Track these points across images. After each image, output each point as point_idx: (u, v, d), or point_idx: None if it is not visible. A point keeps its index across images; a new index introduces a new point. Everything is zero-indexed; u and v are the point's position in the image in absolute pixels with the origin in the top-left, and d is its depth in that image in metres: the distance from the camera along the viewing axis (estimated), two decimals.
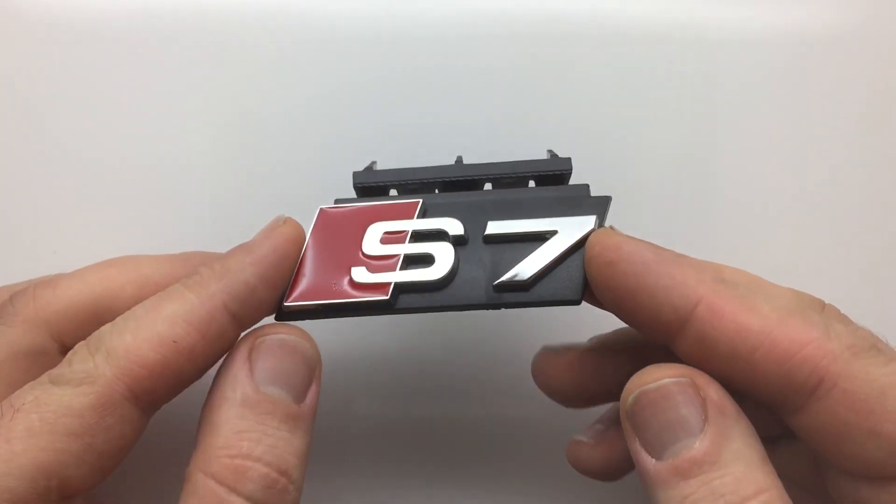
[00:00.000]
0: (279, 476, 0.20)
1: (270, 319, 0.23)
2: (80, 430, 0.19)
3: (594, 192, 0.24)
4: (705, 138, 0.31)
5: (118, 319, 0.20)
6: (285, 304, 0.23)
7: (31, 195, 0.30)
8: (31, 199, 0.30)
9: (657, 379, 0.20)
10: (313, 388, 0.21)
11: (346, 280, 0.23)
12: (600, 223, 0.23)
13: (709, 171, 0.31)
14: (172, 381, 0.20)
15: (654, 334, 0.21)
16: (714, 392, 0.19)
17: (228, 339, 0.21)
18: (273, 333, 0.21)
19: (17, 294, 0.22)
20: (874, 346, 0.19)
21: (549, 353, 0.26)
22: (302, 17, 0.31)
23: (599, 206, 0.23)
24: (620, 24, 0.31)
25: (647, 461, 0.19)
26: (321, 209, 0.24)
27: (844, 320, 0.21)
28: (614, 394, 0.22)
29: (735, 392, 0.20)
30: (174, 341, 0.20)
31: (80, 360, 0.20)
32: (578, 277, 0.22)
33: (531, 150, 0.29)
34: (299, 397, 0.21)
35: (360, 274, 0.23)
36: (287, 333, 0.21)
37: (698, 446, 0.19)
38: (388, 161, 0.29)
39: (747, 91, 0.31)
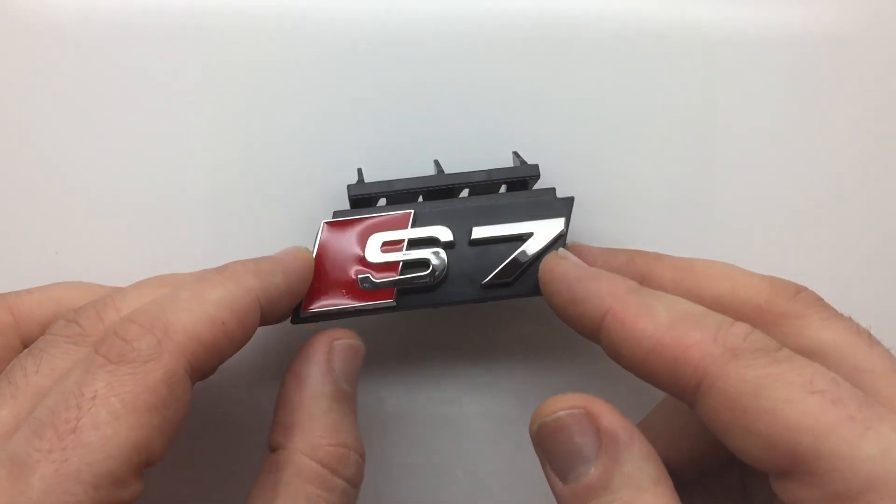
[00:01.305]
0: (361, 459, 0.24)
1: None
2: (157, 404, 0.20)
3: (592, 192, 0.29)
4: (705, 139, 0.31)
5: (162, 301, 0.22)
6: (303, 310, 0.26)
7: (33, 195, 0.31)
8: (33, 200, 0.31)
9: (554, 411, 0.21)
10: None
11: (354, 287, 0.26)
12: (566, 223, 0.27)
13: (709, 172, 0.31)
14: (216, 359, 0.22)
15: (587, 338, 0.23)
16: (607, 420, 0.21)
17: (252, 331, 0.23)
18: (343, 338, 0.25)
19: (80, 315, 0.22)
20: (764, 349, 0.20)
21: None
22: (299, 22, 0.31)
23: (565, 208, 0.27)
24: (619, 25, 0.31)
25: (556, 483, 0.21)
26: (324, 223, 0.27)
27: (818, 305, 0.23)
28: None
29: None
30: (223, 323, 0.22)
31: (137, 336, 0.20)
32: None
33: (529, 151, 0.29)
34: (355, 388, 0.25)
35: (367, 281, 0.26)
36: (351, 338, 0.25)
37: (592, 473, 0.20)
38: (379, 165, 0.30)
39: (748, 92, 0.31)
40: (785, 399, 0.19)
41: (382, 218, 0.27)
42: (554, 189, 0.28)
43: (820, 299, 0.23)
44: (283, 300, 0.25)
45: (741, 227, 0.31)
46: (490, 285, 0.27)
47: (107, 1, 0.31)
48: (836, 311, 0.23)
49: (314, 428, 0.23)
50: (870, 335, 0.22)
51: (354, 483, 0.24)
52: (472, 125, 0.31)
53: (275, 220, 0.31)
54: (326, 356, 0.25)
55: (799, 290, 0.23)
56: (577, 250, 0.27)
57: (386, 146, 0.31)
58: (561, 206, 0.27)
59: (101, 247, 0.30)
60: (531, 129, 0.31)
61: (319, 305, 0.26)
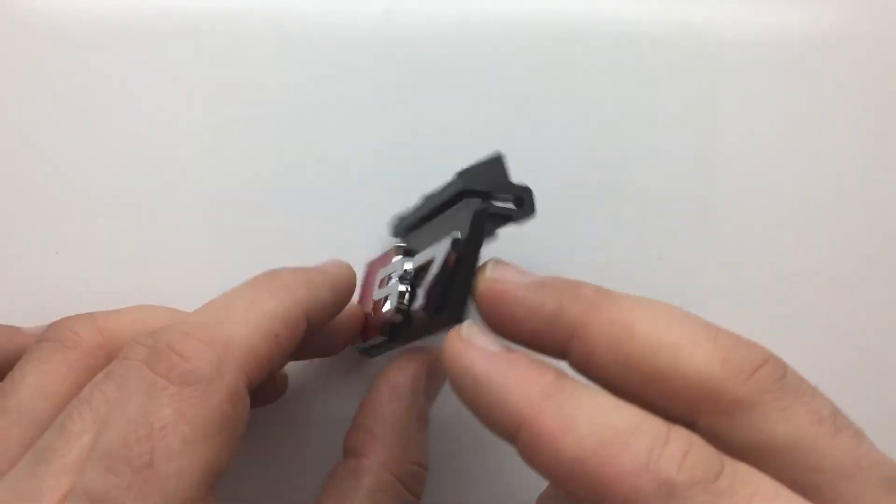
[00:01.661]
0: (426, 475, 0.25)
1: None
2: (224, 423, 0.20)
3: (591, 193, 0.28)
4: (706, 140, 0.31)
5: (219, 314, 0.21)
6: (356, 345, 0.27)
7: (33, 195, 0.31)
8: (33, 200, 0.31)
9: None
10: None
11: (374, 323, 0.26)
12: (467, 237, 0.21)
13: (709, 173, 0.31)
14: (267, 372, 0.21)
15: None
16: None
17: (295, 346, 0.22)
18: (438, 358, 0.24)
19: (160, 339, 0.21)
20: (703, 480, 0.17)
21: None
22: (299, 22, 0.31)
23: (463, 223, 0.21)
24: (620, 26, 0.31)
25: None
26: (366, 263, 0.29)
27: (776, 388, 0.19)
28: None
29: None
30: (276, 335, 0.21)
31: (197, 353, 0.20)
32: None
33: (529, 151, 0.29)
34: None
35: (372, 318, 0.26)
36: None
37: None
38: (380, 165, 0.30)
39: (748, 92, 0.31)
40: None
41: (383, 256, 0.27)
42: (478, 200, 0.22)
43: (779, 378, 0.19)
44: (325, 315, 0.24)
45: (741, 228, 0.31)
46: (434, 317, 0.22)
47: (107, 1, 0.31)
48: (797, 393, 0.19)
49: (399, 444, 0.24)
50: (834, 420, 0.19)
51: (418, 497, 0.24)
52: (472, 125, 0.31)
53: (275, 219, 0.31)
54: (425, 376, 0.25)
55: (756, 368, 0.19)
56: (498, 284, 0.21)
57: (387, 146, 0.31)
58: (457, 223, 0.21)
59: (101, 247, 0.30)
60: (531, 129, 0.31)
61: (365, 338, 0.27)
